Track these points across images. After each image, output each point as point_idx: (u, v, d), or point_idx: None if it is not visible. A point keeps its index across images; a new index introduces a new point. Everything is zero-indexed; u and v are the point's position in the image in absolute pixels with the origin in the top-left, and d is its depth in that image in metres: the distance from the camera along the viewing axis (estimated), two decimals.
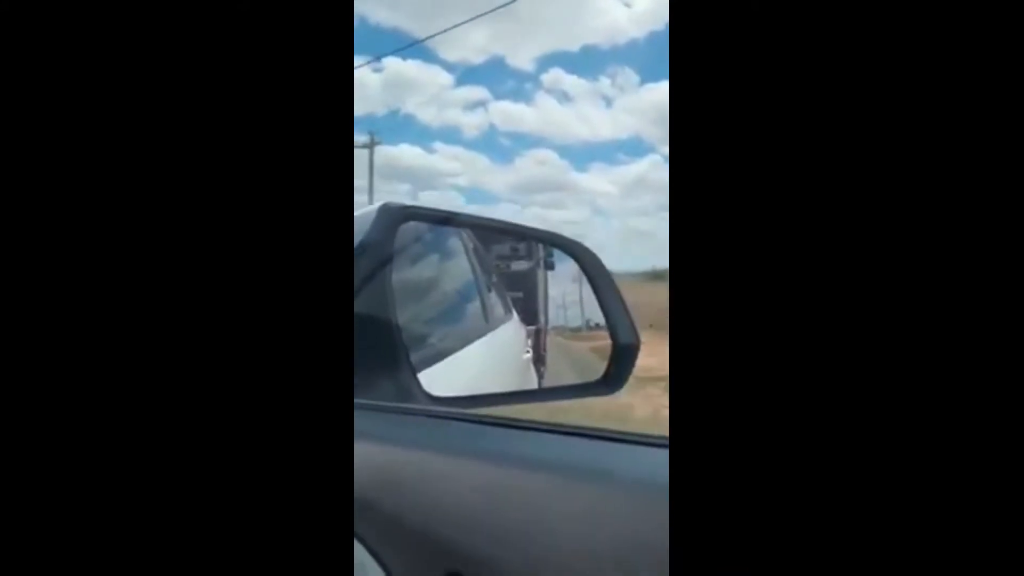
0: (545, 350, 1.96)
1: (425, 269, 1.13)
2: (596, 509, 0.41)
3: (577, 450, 0.47)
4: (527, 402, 0.96)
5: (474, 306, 1.40)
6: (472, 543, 0.45)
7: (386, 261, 0.76)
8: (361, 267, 0.72)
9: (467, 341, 1.19)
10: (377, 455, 0.52)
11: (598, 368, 0.93)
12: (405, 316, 0.87)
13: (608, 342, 0.93)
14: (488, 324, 1.42)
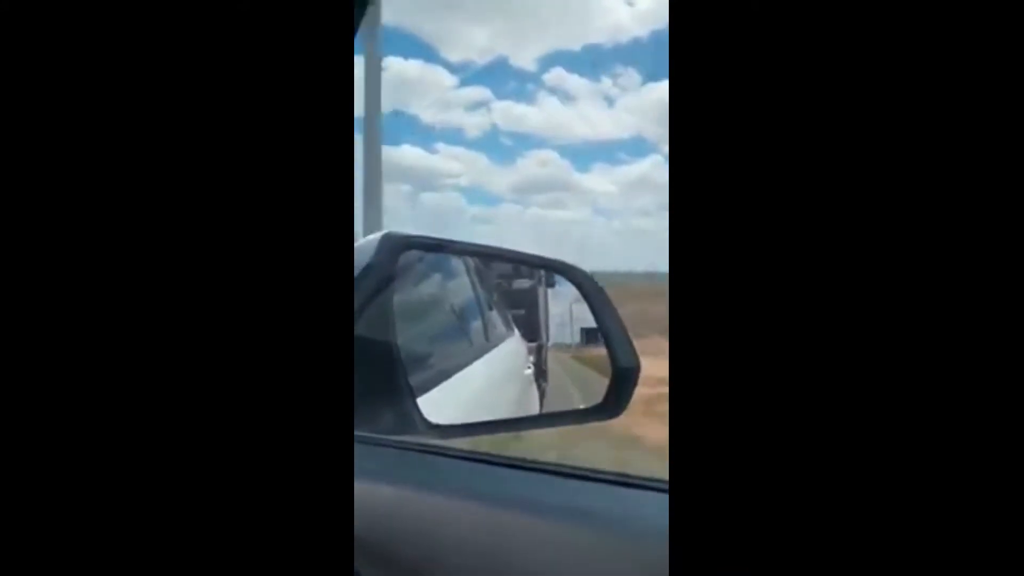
0: (546, 366, 1.96)
1: (426, 291, 1.13)
2: (594, 555, 0.41)
3: (575, 493, 0.47)
4: (527, 429, 0.96)
5: (475, 325, 1.40)
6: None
7: (387, 290, 0.77)
8: (362, 295, 0.73)
9: (469, 360, 1.20)
10: (371, 492, 0.52)
11: (592, 377, 0.92)
12: (407, 340, 0.87)
13: (597, 351, 0.93)
14: (489, 342, 1.43)
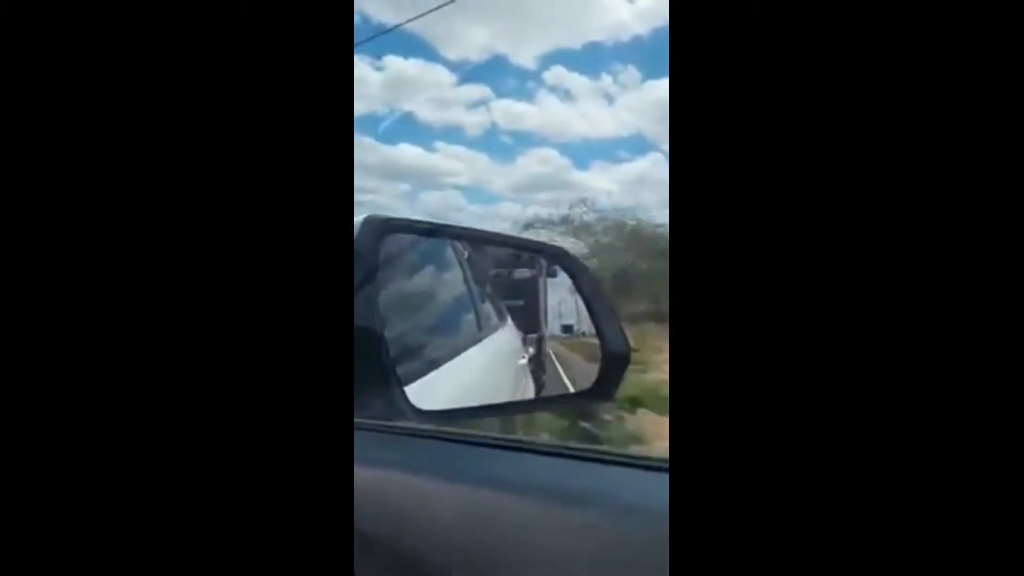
0: (545, 356, 1.96)
1: (415, 279, 1.12)
2: (586, 534, 0.41)
3: (565, 471, 0.46)
4: (518, 413, 0.95)
5: (466, 314, 1.40)
6: (456, 568, 0.44)
7: (370, 274, 0.76)
8: None
9: (459, 350, 1.19)
10: (362, 477, 0.51)
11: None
12: (394, 328, 0.86)
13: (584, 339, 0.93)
14: (481, 332, 1.42)
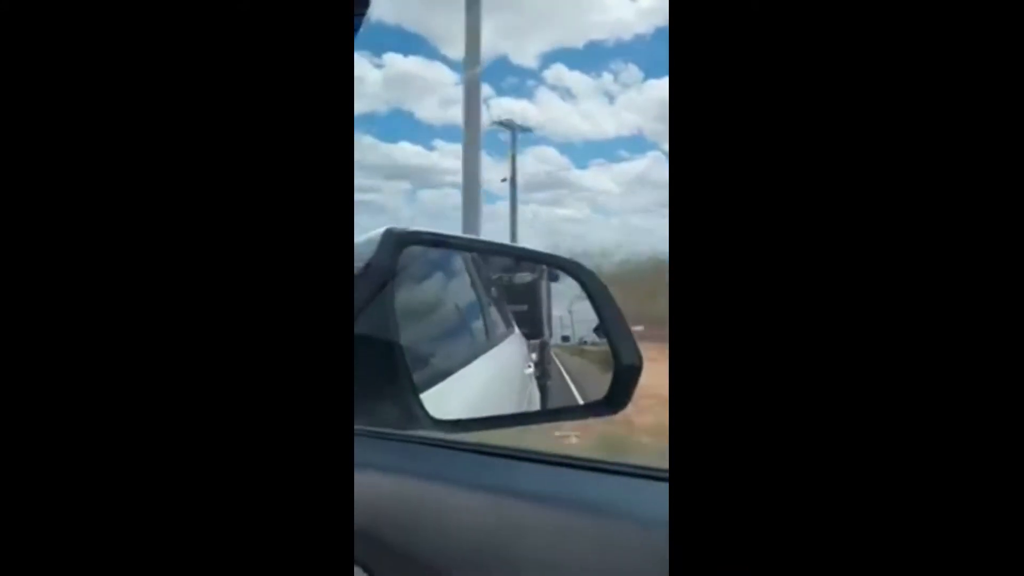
0: (550, 364, 1.95)
1: (428, 288, 1.13)
2: (597, 545, 0.41)
3: (581, 483, 0.47)
4: (531, 424, 0.96)
5: (476, 323, 1.40)
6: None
7: (389, 286, 0.77)
8: (363, 292, 0.73)
9: (470, 359, 1.19)
10: (379, 485, 0.52)
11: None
12: (409, 338, 0.87)
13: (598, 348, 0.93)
14: (490, 340, 1.42)
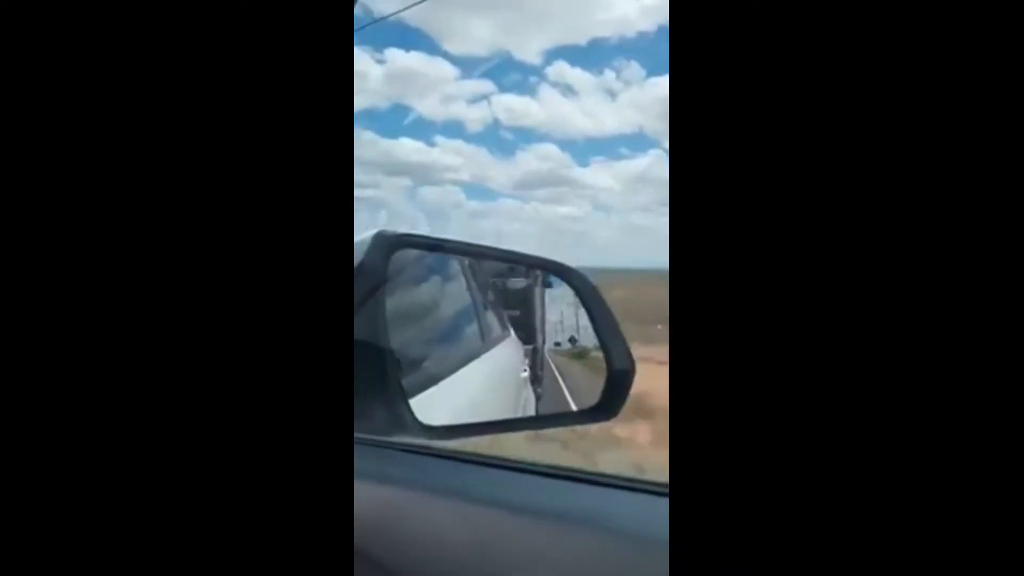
0: (542, 369, 1.95)
1: (421, 291, 1.12)
2: (590, 559, 0.40)
3: (573, 495, 0.46)
4: (523, 430, 0.95)
5: (470, 326, 1.39)
6: None
7: (380, 289, 0.76)
8: (354, 295, 0.72)
9: (464, 362, 1.19)
10: (365, 494, 0.51)
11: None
12: (400, 342, 0.86)
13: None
14: (485, 344, 1.41)
